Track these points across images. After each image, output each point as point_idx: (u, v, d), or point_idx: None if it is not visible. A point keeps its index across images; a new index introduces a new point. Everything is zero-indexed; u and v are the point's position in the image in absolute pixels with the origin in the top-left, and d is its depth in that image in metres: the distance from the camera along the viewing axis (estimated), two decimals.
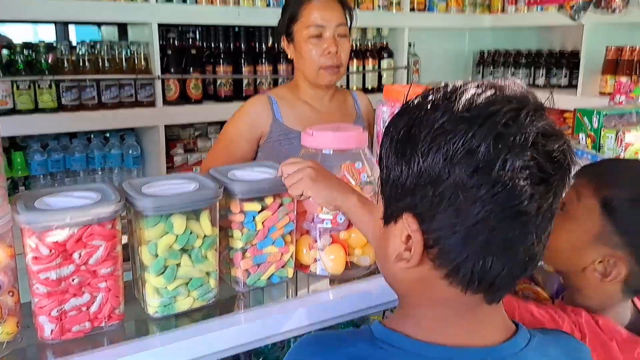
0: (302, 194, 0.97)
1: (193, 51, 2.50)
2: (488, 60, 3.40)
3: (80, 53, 2.21)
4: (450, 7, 3.18)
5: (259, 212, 0.99)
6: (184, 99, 2.44)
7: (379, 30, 2.99)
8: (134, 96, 2.28)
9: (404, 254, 0.60)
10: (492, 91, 0.58)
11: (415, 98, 0.62)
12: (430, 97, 0.59)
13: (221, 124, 2.56)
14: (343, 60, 1.60)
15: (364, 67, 2.90)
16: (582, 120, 1.63)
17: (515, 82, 0.60)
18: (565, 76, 3.09)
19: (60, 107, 2.13)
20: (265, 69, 2.61)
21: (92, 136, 2.39)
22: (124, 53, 2.28)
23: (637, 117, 1.64)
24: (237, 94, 2.58)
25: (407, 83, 3.08)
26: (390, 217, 0.62)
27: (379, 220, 0.65)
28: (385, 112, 1.12)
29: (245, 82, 2.59)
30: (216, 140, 1.74)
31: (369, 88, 2.92)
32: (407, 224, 0.59)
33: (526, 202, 0.55)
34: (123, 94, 2.26)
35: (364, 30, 2.95)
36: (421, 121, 0.58)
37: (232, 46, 2.60)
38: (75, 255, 0.83)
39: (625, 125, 1.60)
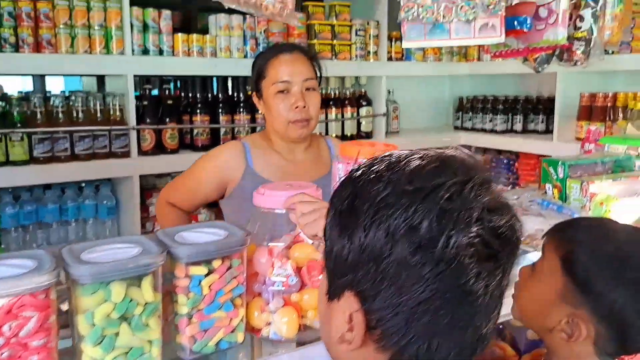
0: (316, 234, 0.93)
1: (169, 101, 2.51)
2: (467, 106, 3.45)
3: (54, 104, 2.20)
4: (427, 56, 3.24)
5: (206, 275, 0.96)
6: (159, 148, 2.44)
7: (357, 78, 3.03)
8: (108, 147, 2.27)
9: (346, 335, 0.57)
10: (437, 163, 0.55)
11: (360, 167, 0.59)
12: (374, 167, 0.57)
13: None
14: (312, 114, 1.61)
15: (342, 115, 2.92)
16: (548, 171, 1.63)
17: (463, 152, 0.58)
18: (542, 122, 3.13)
19: (32, 160, 2.12)
20: (242, 118, 2.63)
21: (66, 187, 2.37)
22: (98, 104, 2.29)
23: (603, 167, 1.65)
24: (215, 142, 2.57)
25: (386, 130, 3.11)
26: (333, 293, 0.59)
27: (323, 296, 0.62)
28: (340, 170, 1.12)
29: (222, 131, 2.60)
30: (184, 173, 1.72)
31: (348, 135, 2.94)
32: (349, 303, 0.56)
33: (472, 280, 0.52)
34: (97, 145, 2.25)
35: (342, 79, 2.99)
36: (363, 193, 0.55)
37: (209, 95, 2.62)
38: (5, 328, 0.79)
39: (591, 175, 1.61)
